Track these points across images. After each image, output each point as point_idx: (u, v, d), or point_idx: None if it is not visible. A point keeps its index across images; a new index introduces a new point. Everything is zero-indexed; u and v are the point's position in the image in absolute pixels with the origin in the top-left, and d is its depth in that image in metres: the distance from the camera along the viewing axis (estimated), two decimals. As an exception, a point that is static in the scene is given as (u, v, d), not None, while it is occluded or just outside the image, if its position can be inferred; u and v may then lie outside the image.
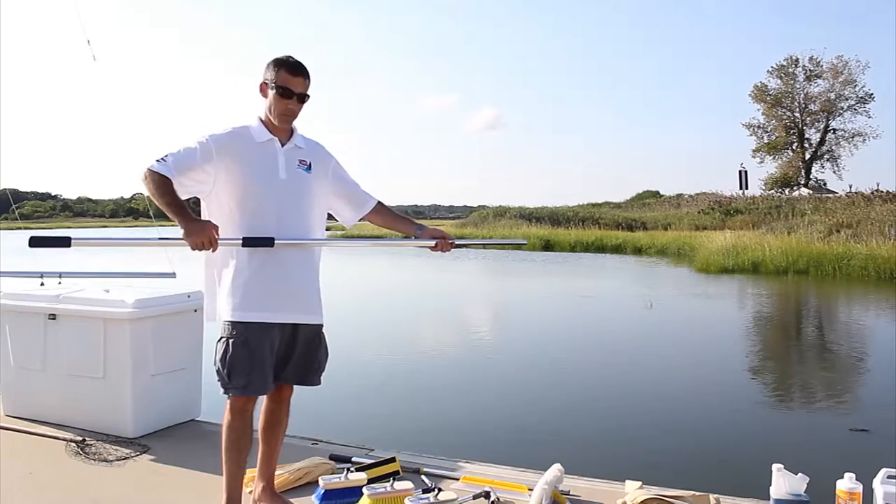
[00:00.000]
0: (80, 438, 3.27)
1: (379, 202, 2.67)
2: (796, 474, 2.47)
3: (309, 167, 2.46)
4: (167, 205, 2.20)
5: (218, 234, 2.22)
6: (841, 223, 21.54)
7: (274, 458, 2.59)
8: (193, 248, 2.18)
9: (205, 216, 2.39)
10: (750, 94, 46.99)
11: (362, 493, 2.52)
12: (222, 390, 2.36)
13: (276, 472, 2.75)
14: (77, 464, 3.05)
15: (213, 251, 2.23)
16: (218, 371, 2.35)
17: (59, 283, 3.95)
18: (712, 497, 2.59)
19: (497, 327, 10.58)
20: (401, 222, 2.68)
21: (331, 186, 2.56)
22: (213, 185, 2.34)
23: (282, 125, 2.42)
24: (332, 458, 3.05)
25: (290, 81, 2.37)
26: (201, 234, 2.17)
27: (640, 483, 2.73)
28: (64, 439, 3.29)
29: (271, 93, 2.37)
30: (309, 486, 2.76)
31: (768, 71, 46.62)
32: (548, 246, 28.95)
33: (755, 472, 3.10)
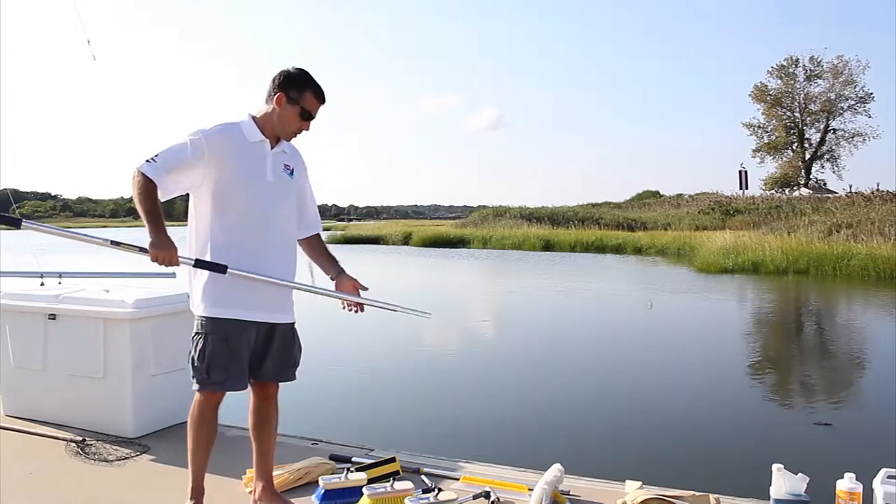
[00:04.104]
0: (80, 438, 3.27)
1: (319, 232, 2.68)
2: (796, 474, 2.47)
3: (292, 172, 2.49)
4: (146, 212, 2.21)
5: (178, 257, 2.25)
6: (841, 223, 21.53)
7: (269, 456, 2.59)
8: (152, 260, 2.21)
9: (192, 211, 2.40)
10: (750, 94, 47.06)
11: (362, 493, 2.52)
12: (197, 386, 2.36)
13: (276, 472, 2.75)
14: (77, 464, 3.05)
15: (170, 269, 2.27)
16: (195, 367, 2.34)
17: (59, 283, 3.95)
18: (712, 497, 2.59)
19: (497, 327, 10.58)
20: (326, 258, 2.64)
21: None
22: (202, 181, 2.34)
23: (287, 140, 2.46)
24: (332, 458, 3.05)
25: (314, 107, 2.43)
26: (166, 252, 2.20)
27: (640, 483, 2.73)
28: (64, 439, 3.29)
29: (291, 109, 2.38)
30: (309, 486, 2.76)
31: (768, 71, 46.70)
32: (548, 246, 28.96)
33: (755, 472, 3.11)
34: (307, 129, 2.46)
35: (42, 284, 3.94)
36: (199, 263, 2.28)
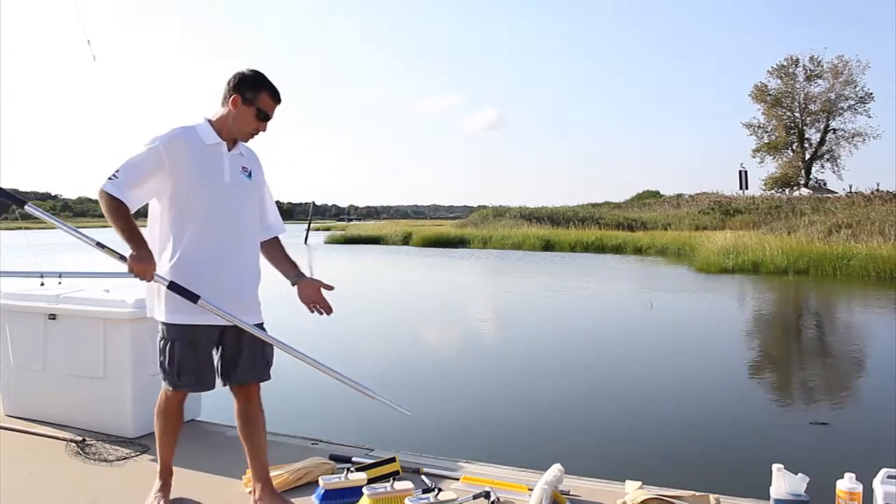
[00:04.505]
0: (80, 438, 3.27)
1: (279, 235, 2.69)
2: (796, 474, 2.47)
3: (250, 174, 2.51)
4: (121, 230, 2.27)
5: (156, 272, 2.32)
6: (841, 223, 21.53)
7: (262, 456, 2.59)
8: (129, 271, 2.28)
9: (151, 213, 2.44)
10: (750, 94, 47.10)
11: (362, 493, 2.52)
12: (171, 388, 2.47)
13: (276, 472, 2.76)
14: (77, 464, 3.05)
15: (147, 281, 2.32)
16: (167, 371, 2.43)
17: (59, 283, 3.94)
18: (712, 497, 2.59)
19: (497, 327, 10.58)
20: (286, 263, 2.65)
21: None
22: (164, 186, 2.37)
23: (244, 141, 2.49)
24: (332, 458, 3.05)
25: (271, 107, 2.45)
26: (145, 266, 2.26)
27: (640, 483, 2.73)
28: (64, 439, 3.29)
29: (247, 110, 2.41)
30: (309, 486, 2.76)
31: (768, 71, 46.75)
32: (548, 246, 28.96)
33: (755, 472, 3.10)
34: (264, 129, 2.48)
35: (42, 284, 3.93)
36: (173, 286, 2.32)
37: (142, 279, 2.29)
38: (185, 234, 2.37)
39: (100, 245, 2.36)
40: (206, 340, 2.42)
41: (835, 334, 10.15)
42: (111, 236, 2.36)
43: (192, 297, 2.31)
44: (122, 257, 2.30)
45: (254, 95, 2.40)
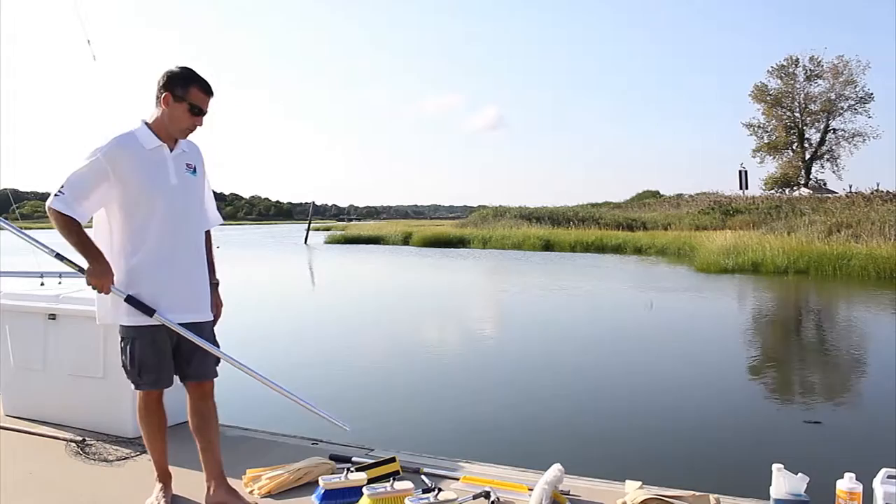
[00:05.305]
0: (80, 438, 3.27)
1: (210, 229, 2.70)
2: (796, 474, 2.47)
3: (194, 170, 2.53)
4: (74, 244, 2.32)
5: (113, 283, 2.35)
6: (841, 223, 21.53)
7: (215, 451, 2.58)
8: (87, 284, 2.33)
9: (100, 221, 2.46)
10: (750, 94, 47.10)
11: (362, 493, 2.52)
12: (133, 386, 2.50)
13: (276, 472, 2.76)
14: (77, 464, 3.05)
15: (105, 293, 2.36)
16: (128, 371, 2.46)
17: (59, 283, 3.95)
18: (712, 497, 2.59)
19: (497, 327, 10.58)
20: (208, 262, 2.66)
21: None
22: (111, 196, 2.38)
23: (182, 138, 2.48)
24: (332, 458, 3.05)
25: (203, 101, 2.44)
26: (102, 279, 2.31)
27: (640, 483, 2.73)
28: (64, 439, 3.29)
29: (179, 106, 2.40)
30: (309, 486, 2.76)
31: (768, 71, 46.75)
32: (548, 246, 28.97)
33: (755, 472, 3.10)
34: (200, 124, 2.47)
35: (42, 284, 3.94)
36: (130, 300, 2.36)
37: (99, 292, 2.34)
38: (137, 241, 2.39)
39: (59, 256, 2.40)
40: (166, 339, 2.45)
41: (835, 334, 10.14)
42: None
43: (149, 311, 2.36)
44: (80, 269, 2.34)
45: (184, 91, 2.40)
